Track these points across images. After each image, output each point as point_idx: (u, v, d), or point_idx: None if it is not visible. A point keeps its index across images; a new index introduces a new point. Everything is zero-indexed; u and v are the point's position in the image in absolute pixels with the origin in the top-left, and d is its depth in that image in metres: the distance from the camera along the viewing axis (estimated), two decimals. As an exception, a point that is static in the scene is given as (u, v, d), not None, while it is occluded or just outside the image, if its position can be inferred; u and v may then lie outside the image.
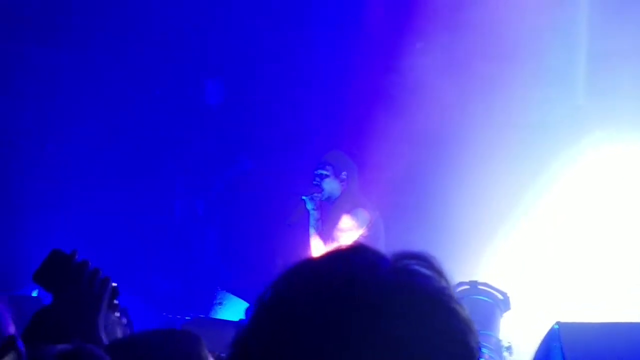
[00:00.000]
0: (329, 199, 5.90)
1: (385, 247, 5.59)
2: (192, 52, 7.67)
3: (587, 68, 6.55)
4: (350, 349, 0.88)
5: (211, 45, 7.64)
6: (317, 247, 5.86)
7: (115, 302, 2.05)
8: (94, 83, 7.54)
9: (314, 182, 5.89)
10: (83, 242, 5.96)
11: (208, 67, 7.84)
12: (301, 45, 7.37)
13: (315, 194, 5.83)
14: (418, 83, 6.57)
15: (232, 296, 7.13)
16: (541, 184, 6.49)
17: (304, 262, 0.99)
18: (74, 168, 7.65)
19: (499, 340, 5.33)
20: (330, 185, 5.86)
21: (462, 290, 5.57)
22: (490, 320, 5.47)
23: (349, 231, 5.79)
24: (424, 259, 0.97)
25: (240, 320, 6.15)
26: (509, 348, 5.35)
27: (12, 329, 2.75)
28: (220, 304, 7.23)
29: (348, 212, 5.80)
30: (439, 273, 0.96)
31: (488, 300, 5.61)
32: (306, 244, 5.94)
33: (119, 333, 2.50)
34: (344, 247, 0.99)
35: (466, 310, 0.94)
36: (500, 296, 5.67)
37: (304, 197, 5.85)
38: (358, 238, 5.80)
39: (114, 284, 2.03)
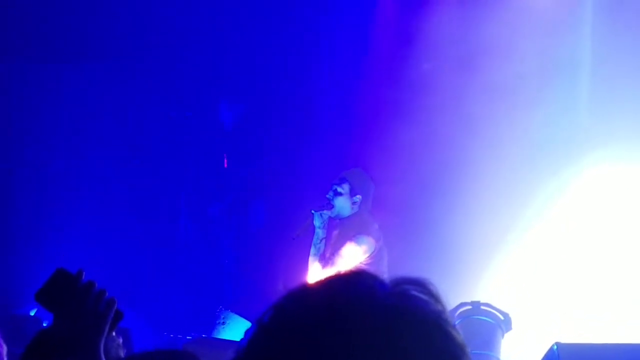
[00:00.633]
0: (337, 216, 5.74)
1: (388, 271, 5.59)
2: (201, 71, 7.74)
3: (590, 88, 6.58)
4: None
5: (222, 66, 7.70)
6: (315, 269, 5.73)
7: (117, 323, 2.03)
8: (102, 101, 7.60)
9: (327, 196, 5.74)
10: (85, 260, 5.98)
11: (222, 87, 7.89)
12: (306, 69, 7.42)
13: (325, 211, 5.68)
14: (421, 103, 6.61)
15: (235, 316, 7.12)
16: (543, 203, 6.49)
17: (304, 285, 1.02)
18: (77, 186, 7.69)
19: (500, 361, 5.33)
20: (342, 204, 5.69)
21: (464, 310, 5.57)
22: (491, 341, 5.47)
23: (350, 258, 5.61)
24: (421, 285, 1.00)
25: (242, 341, 6.15)
26: (509, 368, 5.34)
27: (3, 350, 2.74)
28: (223, 323, 7.22)
29: (353, 237, 5.63)
30: (436, 298, 0.99)
31: (490, 320, 5.61)
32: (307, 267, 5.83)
33: (115, 353, 2.51)
34: (344, 272, 1.02)
35: (461, 334, 0.97)
36: (501, 317, 5.67)
37: (313, 212, 5.71)
38: (359, 265, 5.59)
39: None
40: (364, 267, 5.58)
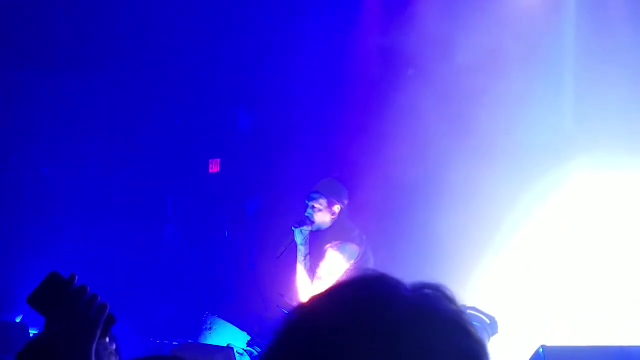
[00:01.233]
0: (318, 230, 5.75)
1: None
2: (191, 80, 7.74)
3: (575, 92, 6.63)
4: None
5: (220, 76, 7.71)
6: (304, 283, 5.72)
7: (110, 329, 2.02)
8: (96, 107, 7.60)
9: (306, 214, 5.74)
10: (71, 266, 5.95)
11: (214, 92, 7.89)
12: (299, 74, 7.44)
13: (305, 228, 5.68)
14: (405, 107, 6.64)
15: (222, 321, 7.11)
16: (527, 207, 6.53)
17: (329, 288, 1.06)
18: (64, 194, 7.67)
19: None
20: (322, 219, 5.71)
21: (450, 314, 5.57)
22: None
23: (336, 266, 5.63)
24: (439, 288, 1.06)
25: (229, 346, 6.14)
26: (495, 372, 5.36)
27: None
28: (209, 329, 7.20)
29: (336, 246, 5.65)
30: (453, 300, 1.05)
31: (476, 324, 5.64)
32: (294, 271, 5.84)
33: (104, 356, 2.50)
34: (367, 274, 1.06)
35: (478, 333, 1.02)
36: (487, 320, 5.68)
37: (293, 228, 5.72)
38: (347, 272, 5.63)
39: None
40: (352, 273, 5.62)
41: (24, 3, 7.17)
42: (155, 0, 7.40)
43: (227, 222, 6.88)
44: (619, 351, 4.33)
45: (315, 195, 5.74)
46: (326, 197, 5.73)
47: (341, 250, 5.66)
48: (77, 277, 1.97)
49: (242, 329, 6.59)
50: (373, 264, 5.84)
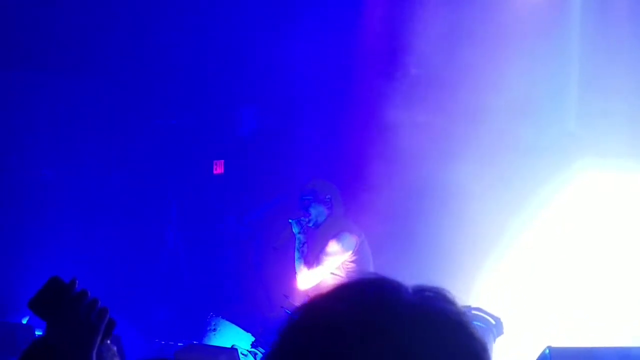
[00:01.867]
0: (315, 223, 5.98)
1: (375, 270, 5.64)
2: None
3: (579, 94, 6.62)
4: None
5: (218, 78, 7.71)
6: (302, 271, 5.93)
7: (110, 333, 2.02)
8: (97, 109, 7.61)
9: (300, 208, 6.00)
10: (76, 268, 5.96)
11: (214, 93, 7.89)
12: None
13: (302, 218, 5.93)
14: (409, 107, 6.63)
15: (226, 322, 7.11)
16: (532, 208, 6.52)
17: (332, 288, 1.07)
18: (68, 195, 7.67)
19: (491, 366, 5.33)
20: (317, 210, 5.96)
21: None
22: (483, 345, 5.47)
23: (335, 255, 5.86)
24: (440, 291, 1.07)
25: (233, 347, 6.14)
26: (501, 373, 5.35)
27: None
28: (213, 330, 7.20)
29: (334, 236, 5.88)
30: (453, 302, 1.06)
31: (481, 325, 5.63)
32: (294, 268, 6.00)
33: (107, 357, 2.50)
34: (368, 275, 1.07)
35: (479, 333, 1.03)
36: (492, 321, 5.68)
37: (290, 221, 5.95)
38: (345, 262, 5.88)
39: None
40: (351, 264, 5.84)
41: (31, 5, 7.18)
42: (159, 1, 7.40)
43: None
44: (624, 352, 4.32)
45: (306, 190, 6.04)
46: (315, 189, 6.01)
47: (339, 238, 5.87)
48: (77, 282, 1.96)
49: (246, 329, 6.59)
50: (372, 261, 5.98)
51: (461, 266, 6.37)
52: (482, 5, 6.59)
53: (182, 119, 8.05)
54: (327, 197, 5.98)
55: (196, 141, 8.03)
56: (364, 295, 1.02)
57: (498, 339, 5.64)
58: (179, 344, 6.57)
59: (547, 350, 4.24)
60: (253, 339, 6.42)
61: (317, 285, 5.84)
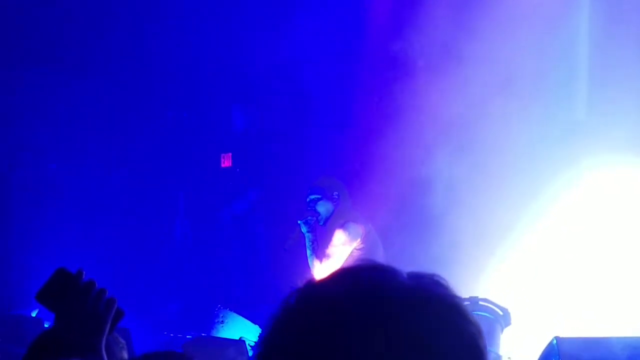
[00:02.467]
0: (324, 221, 6.10)
1: (385, 260, 5.66)
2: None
3: (588, 84, 6.58)
4: (375, 343, 0.97)
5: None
6: (316, 267, 6.03)
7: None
8: (101, 107, 7.63)
9: (308, 208, 6.10)
10: (85, 259, 5.99)
11: (224, 89, 7.89)
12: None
13: (310, 217, 6.05)
14: (417, 98, 6.62)
15: (234, 314, 7.13)
16: (542, 199, 6.49)
17: (329, 274, 1.08)
18: (77, 186, 7.69)
19: (499, 356, 5.34)
20: (325, 207, 6.07)
21: (462, 306, 5.56)
22: (490, 336, 5.47)
23: (342, 245, 5.96)
24: (433, 276, 1.07)
25: (241, 339, 6.15)
26: (508, 363, 5.35)
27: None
28: (221, 322, 7.22)
29: (340, 226, 5.99)
30: (447, 287, 1.07)
31: (488, 316, 5.62)
32: (304, 265, 6.09)
33: (120, 354, 2.51)
34: (365, 262, 1.08)
35: (474, 316, 1.04)
36: (500, 312, 5.67)
37: (299, 222, 6.07)
38: (353, 251, 5.96)
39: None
40: (360, 253, 5.92)
41: (37, 5, 7.20)
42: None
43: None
44: (633, 342, 4.31)
45: (312, 189, 6.15)
46: (322, 187, 6.12)
47: (345, 228, 5.98)
48: (84, 273, 1.96)
49: (254, 322, 6.61)
50: (381, 250, 6.06)
51: (470, 256, 6.37)
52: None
53: (189, 112, 8.07)
54: (334, 194, 6.07)
55: (204, 135, 8.04)
56: (358, 279, 1.02)
57: (506, 330, 5.64)
58: (187, 337, 6.59)
59: (555, 341, 4.24)
60: (261, 330, 6.43)
61: None
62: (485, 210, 6.43)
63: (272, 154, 7.82)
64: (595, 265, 6.28)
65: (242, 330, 6.72)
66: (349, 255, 5.97)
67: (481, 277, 6.41)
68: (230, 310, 7.19)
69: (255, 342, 6.19)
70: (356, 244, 5.97)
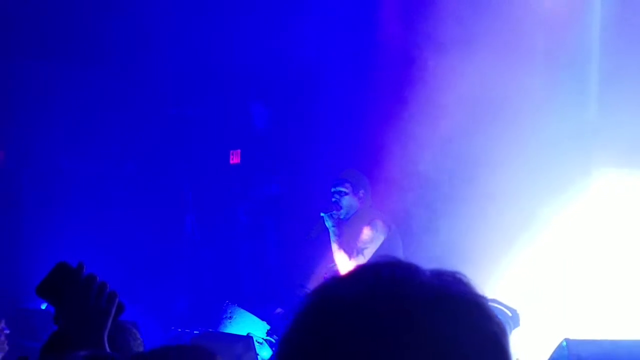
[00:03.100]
0: (346, 215, 6.05)
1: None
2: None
3: (599, 84, 6.55)
4: (398, 342, 0.95)
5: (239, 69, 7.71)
6: (343, 262, 5.99)
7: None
8: (111, 103, 7.64)
9: (333, 200, 6.03)
10: (91, 255, 5.99)
11: (231, 85, 7.89)
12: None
13: (334, 212, 6.00)
14: (430, 101, 6.60)
15: (241, 310, 7.14)
16: (552, 199, 6.47)
17: (349, 272, 1.06)
18: (85, 181, 7.71)
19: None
20: (349, 203, 6.03)
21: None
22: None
23: (371, 242, 5.97)
24: (455, 274, 1.06)
25: (249, 335, 6.15)
26: (517, 365, 5.33)
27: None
28: (229, 317, 7.22)
29: (368, 224, 5.99)
30: (470, 285, 1.05)
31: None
32: (323, 259, 6.09)
33: (137, 349, 2.50)
34: (386, 259, 1.06)
35: (498, 316, 1.03)
36: (509, 313, 5.65)
37: (322, 214, 6.01)
38: (378, 249, 5.97)
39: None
40: (383, 251, 5.94)
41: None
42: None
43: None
44: (643, 345, 4.28)
45: (340, 181, 6.07)
46: (350, 182, 6.05)
47: (373, 225, 6.00)
48: (85, 266, 1.95)
49: (262, 318, 6.61)
50: (402, 250, 6.08)
51: (480, 257, 6.35)
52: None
53: (199, 108, 8.07)
54: (360, 192, 6.04)
55: (213, 131, 8.04)
56: (380, 277, 1.01)
57: (514, 331, 5.62)
58: (195, 332, 6.59)
59: (565, 343, 4.22)
60: (268, 327, 6.44)
61: None
62: (495, 210, 6.41)
63: (282, 151, 7.81)
64: (607, 266, 6.25)
65: (250, 326, 6.72)
66: (373, 253, 5.97)
67: (490, 277, 6.39)
68: (238, 306, 7.20)
69: (262, 338, 6.20)
70: (382, 240, 5.99)
